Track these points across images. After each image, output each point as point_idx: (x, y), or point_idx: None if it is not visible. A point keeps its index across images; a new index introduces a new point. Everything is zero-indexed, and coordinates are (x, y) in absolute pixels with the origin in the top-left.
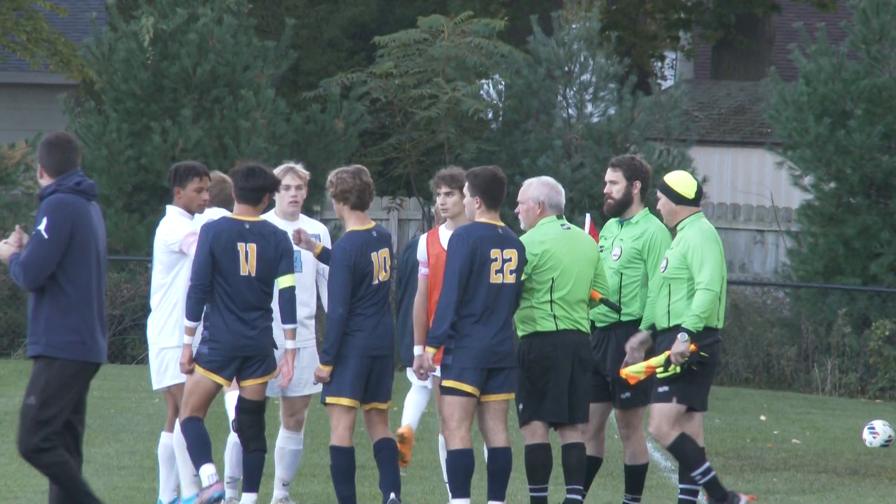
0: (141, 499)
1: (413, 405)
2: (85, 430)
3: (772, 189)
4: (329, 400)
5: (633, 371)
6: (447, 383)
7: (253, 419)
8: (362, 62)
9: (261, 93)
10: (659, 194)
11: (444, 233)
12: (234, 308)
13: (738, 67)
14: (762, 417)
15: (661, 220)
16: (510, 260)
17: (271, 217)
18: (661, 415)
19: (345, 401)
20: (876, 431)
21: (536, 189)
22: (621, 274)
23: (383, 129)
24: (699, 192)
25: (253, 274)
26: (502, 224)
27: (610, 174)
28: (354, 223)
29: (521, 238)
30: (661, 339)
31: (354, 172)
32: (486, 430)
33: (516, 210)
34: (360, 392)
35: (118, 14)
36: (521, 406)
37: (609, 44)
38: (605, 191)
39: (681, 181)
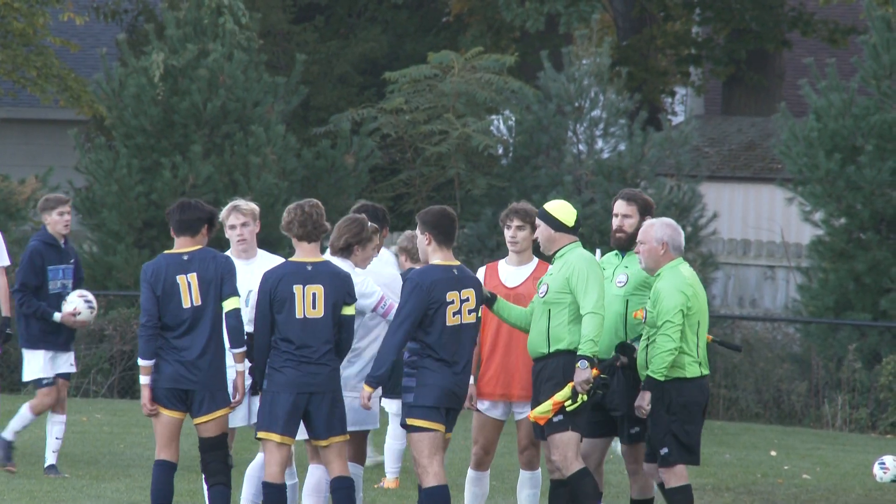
0: None
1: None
2: (95, 466)
3: (782, 225)
4: (260, 434)
5: (540, 412)
6: (413, 422)
7: (212, 456)
8: (373, 98)
9: (271, 128)
10: (538, 222)
11: (504, 267)
12: (174, 342)
13: (748, 103)
14: (772, 453)
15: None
16: (468, 300)
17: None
18: (563, 444)
19: (275, 437)
20: (886, 467)
21: (660, 229)
22: (626, 301)
23: (393, 165)
24: (578, 221)
25: (198, 303)
26: (457, 263)
27: (624, 207)
28: (297, 255)
29: (667, 283)
30: (540, 364)
31: (298, 203)
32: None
33: (636, 250)
34: (293, 429)
35: (128, 50)
36: (666, 450)
37: (619, 79)
38: (616, 223)
39: (561, 209)
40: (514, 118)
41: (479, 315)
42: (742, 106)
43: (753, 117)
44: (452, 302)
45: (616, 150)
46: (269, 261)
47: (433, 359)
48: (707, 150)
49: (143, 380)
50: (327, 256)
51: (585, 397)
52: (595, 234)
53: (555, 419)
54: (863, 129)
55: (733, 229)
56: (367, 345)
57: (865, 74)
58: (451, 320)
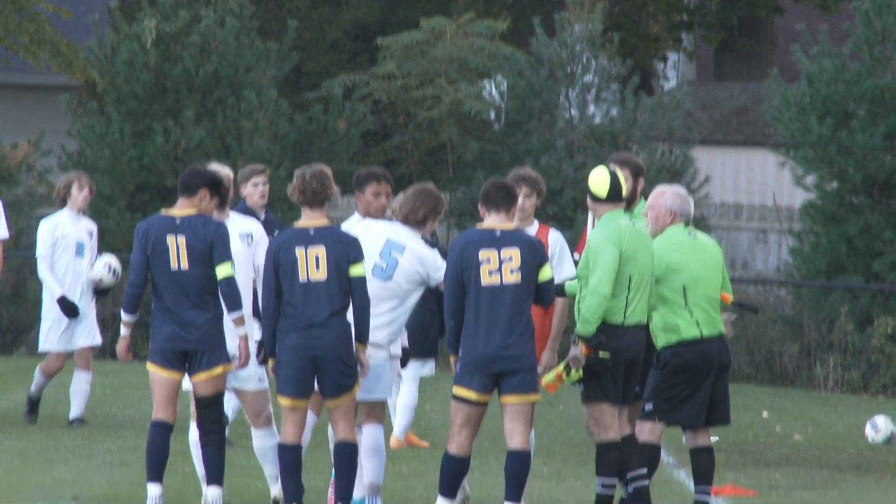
0: (143, 494)
1: (401, 409)
2: (87, 426)
3: (774, 189)
4: (279, 399)
5: (547, 381)
6: (453, 389)
7: (206, 414)
8: (365, 63)
9: (263, 94)
10: None
11: None
12: (166, 302)
13: (740, 69)
14: (764, 414)
15: None
16: (510, 259)
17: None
18: (594, 412)
19: (284, 400)
20: (878, 427)
21: (670, 198)
22: None
23: (386, 130)
24: (613, 190)
25: (185, 267)
26: (509, 227)
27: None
28: (301, 220)
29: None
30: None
31: (302, 170)
32: (505, 431)
33: (644, 213)
34: (302, 391)
35: (120, 16)
36: (650, 406)
37: (611, 45)
38: None
39: (594, 179)
40: (506, 83)
41: (531, 276)
42: (734, 71)
43: (745, 83)
44: (489, 261)
45: (608, 115)
46: (240, 223)
47: (471, 322)
48: (699, 116)
49: (123, 331)
50: (398, 227)
51: (580, 373)
52: (587, 197)
53: (580, 387)
54: (855, 95)
55: (725, 193)
56: (399, 315)
57: (857, 40)
58: (487, 279)
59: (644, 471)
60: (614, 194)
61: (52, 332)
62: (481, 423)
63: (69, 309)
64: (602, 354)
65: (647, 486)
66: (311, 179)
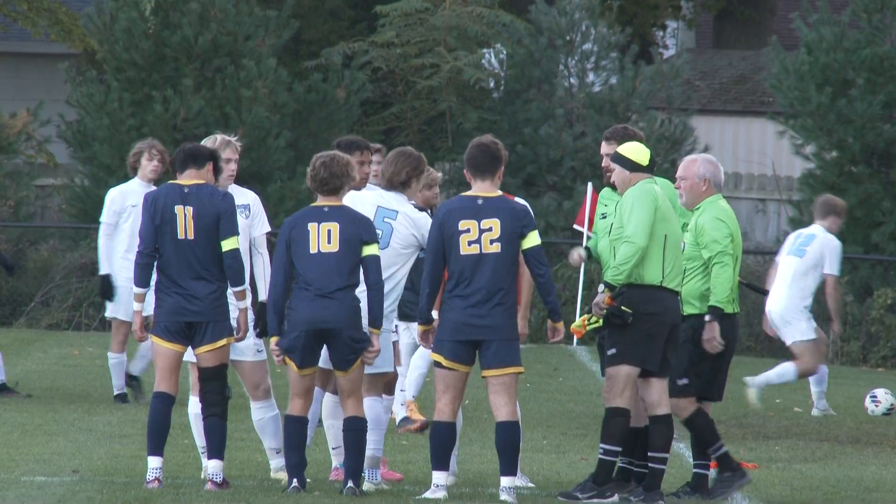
0: (142, 467)
1: (412, 372)
2: (87, 399)
3: (773, 158)
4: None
5: (574, 326)
6: (431, 355)
7: (209, 386)
8: (364, 31)
9: (262, 62)
10: (613, 165)
11: None
12: (171, 273)
13: (739, 37)
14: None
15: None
16: (490, 230)
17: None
18: (612, 376)
19: (292, 364)
20: (878, 400)
21: (703, 166)
22: None
23: (385, 99)
24: (653, 160)
25: (191, 237)
26: (494, 194)
27: (606, 147)
28: (317, 201)
29: (708, 215)
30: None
31: (315, 158)
32: (491, 405)
33: (676, 185)
34: (311, 360)
35: None
36: (684, 381)
37: (611, 13)
38: (604, 164)
39: (635, 150)
40: (505, 52)
41: (512, 246)
42: (733, 39)
43: (744, 51)
44: (468, 230)
45: (607, 83)
46: (238, 194)
47: (448, 291)
48: (698, 84)
49: (136, 306)
50: (385, 193)
51: (600, 321)
52: (587, 167)
53: (609, 352)
54: (854, 63)
55: (724, 163)
56: (397, 283)
57: (857, 8)
58: (466, 249)
59: (667, 455)
60: (653, 164)
61: (118, 300)
62: (464, 390)
63: (106, 290)
64: (624, 308)
65: (663, 471)
66: (319, 167)
